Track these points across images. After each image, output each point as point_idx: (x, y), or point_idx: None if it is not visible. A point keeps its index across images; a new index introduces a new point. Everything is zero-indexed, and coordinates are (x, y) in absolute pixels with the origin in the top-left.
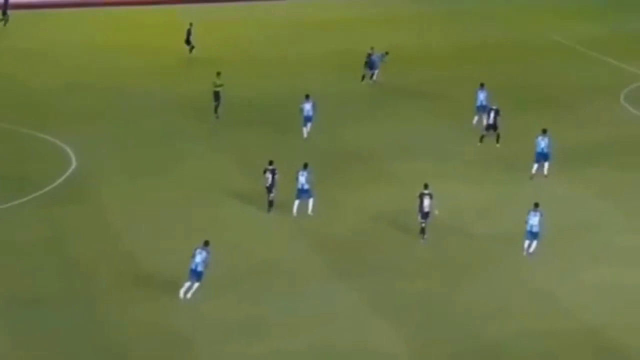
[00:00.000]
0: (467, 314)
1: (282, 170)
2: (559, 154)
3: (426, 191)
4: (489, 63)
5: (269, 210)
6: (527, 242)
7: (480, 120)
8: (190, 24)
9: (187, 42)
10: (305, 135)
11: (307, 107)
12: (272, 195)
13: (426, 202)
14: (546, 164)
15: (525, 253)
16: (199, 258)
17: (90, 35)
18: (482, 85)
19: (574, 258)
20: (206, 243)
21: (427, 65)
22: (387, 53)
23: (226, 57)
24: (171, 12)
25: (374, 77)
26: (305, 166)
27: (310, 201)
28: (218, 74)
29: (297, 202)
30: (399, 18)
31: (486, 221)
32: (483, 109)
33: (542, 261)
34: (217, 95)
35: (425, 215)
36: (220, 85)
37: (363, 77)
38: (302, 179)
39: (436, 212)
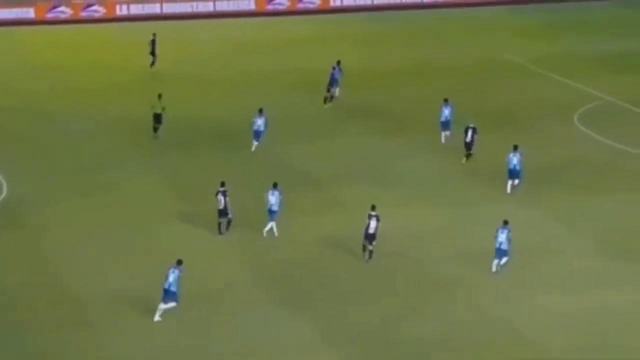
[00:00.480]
0: (419, 343)
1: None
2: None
3: (373, 213)
4: (441, 82)
5: (220, 232)
6: (495, 261)
7: (449, 138)
8: (154, 35)
9: (152, 53)
10: (253, 148)
11: (259, 122)
12: (229, 216)
13: (372, 223)
14: (515, 181)
15: (494, 269)
16: (171, 277)
17: (25, 56)
18: (446, 100)
19: (528, 283)
20: (179, 262)
21: (379, 84)
22: (338, 62)
23: (178, 76)
24: (112, 30)
25: (336, 94)
26: (275, 186)
27: (273, 224)
28: (159, 96)
29: (270, 223)
30: (352, 37)
31: (440, 244)
32: (447, 125)
33: (497, 286)
34: (158, 118)
35: (369, 236)
36: (162, 109)
37: (325, 100)
38: (272, 198)
39: (371, 231)
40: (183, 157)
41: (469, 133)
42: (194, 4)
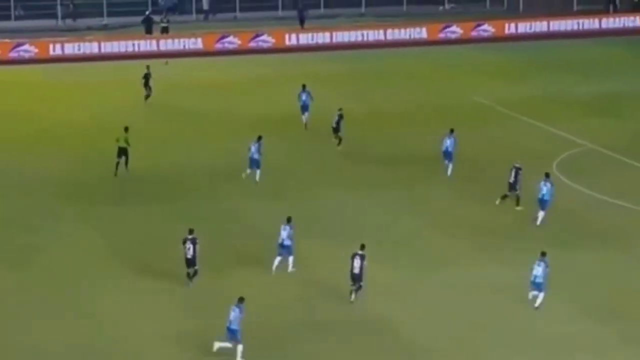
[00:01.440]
0: None
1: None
2: (485, 232)
3: (360, 252)
4: (408, 126)
5: (188, 284)
6: (530, 294)
7: (452, 169)
8: (147, 67)
9: (146, 85)
10: (257, 178)
11: (253, 148)
12: (195, 267)
13: (356, 263)
14: (542, 213)
15: (531, 297)
16: (232, 315)
17: None
18: (451, 131)
19: (509, 347)
20: (240, 300)
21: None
22: (304, 86)
23: (107, 123)
24: (45, 72)
25: (305, 120)
26: (289, 220)
27: (290, 258)
28: (126, 129)
29: (278, 258)
30: (310, 78)
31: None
32: (449, 156)
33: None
34: (124, 152)
35: (354, 277)
36: (127, 143)
37: (339, 141)
38: (284, 233)
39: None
40: (120, 207)
41: (512, 173)
42: (136, 42)
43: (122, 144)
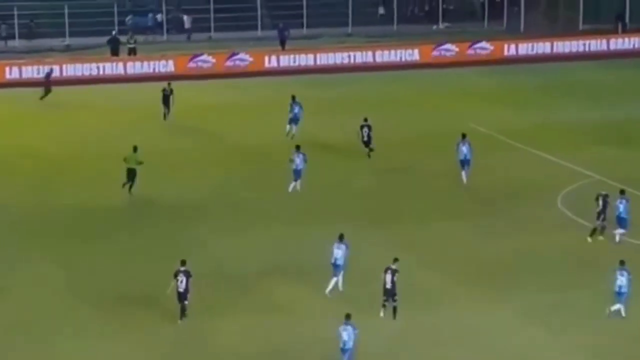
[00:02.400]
0: None
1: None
2: (481, 269)
3: (392, 266)
4: (392, 158)
5: (181, 318)
6: (613, 307)
7: (469, 175)
8: (169, 83)
9: (166, 103)
10: (290, 189)
11: (297, 160)
12: (185, 302)
13: (387, 277)
14: (620, 231)
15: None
16: (345, 335)
17: None
18: (464, 136)
19: None
20: (348, 317)
21: (326, 159)
22: (294, 97)
23: (62, 154)
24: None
25: (294, 131)
26: (342, 238)
27: (340, 277)
28: (135, 148)
29: (334, 279)
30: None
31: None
32: (467, 163)
33: None
34: (133, 174)
35: (387, 292)
36: (137, 163)
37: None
38: (339, 252)
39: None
40: (85, 245)
41: (601, 201)
42: (100, 64)
43: (132, 165)
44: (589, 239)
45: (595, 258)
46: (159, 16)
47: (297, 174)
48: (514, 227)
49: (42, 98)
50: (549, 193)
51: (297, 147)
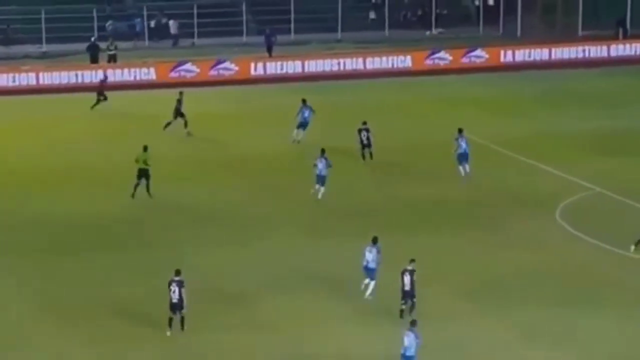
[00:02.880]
0: None
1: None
2: (477, 286)
3: (409, 267)
4: (386, 169)
5: (170, 329)
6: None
7: (468, 173)
8: (180, 93)
9: (179, 113)
10: (319, 195)
11: (320, 165)
12: (182, 311)
13: (406, 279)
14: None
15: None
16: (407, 341)
17: None
18: (460, 131)
19: None
20: (413, 323)
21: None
22: (304, 100)
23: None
24: None
25: (300, 136)
26: (375, 241)
27: (372, 283)
28: (145, 148)
29: (365, 280)
30: (279, 114)
31: None
32: (466, 158)
33: None
34: (145, 174)
35: (405, 294)
36: (146, 163)
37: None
38: (370, 256)
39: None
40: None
41: None
42: (79, 72)
43: (142, 165)
44: (632, 249)
45: (597, 273)
46: (138, 21)
47: (320, 179)
48: (511, 240)
49: (92, 107)
50: (547, 205)
51: (322, 151)
